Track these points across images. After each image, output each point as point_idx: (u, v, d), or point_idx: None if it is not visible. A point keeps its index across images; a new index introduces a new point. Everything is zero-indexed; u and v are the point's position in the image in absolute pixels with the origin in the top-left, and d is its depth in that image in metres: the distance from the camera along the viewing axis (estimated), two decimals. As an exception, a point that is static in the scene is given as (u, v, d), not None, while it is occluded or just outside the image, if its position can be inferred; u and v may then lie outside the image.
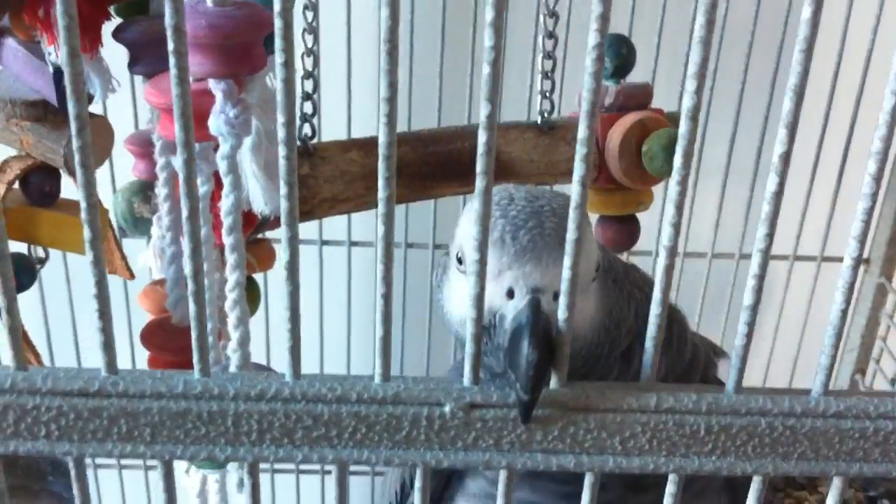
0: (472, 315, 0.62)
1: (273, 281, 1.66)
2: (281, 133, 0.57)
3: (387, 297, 0.61)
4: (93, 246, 0.57)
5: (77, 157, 0.56)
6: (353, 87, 1.67)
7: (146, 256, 1.21)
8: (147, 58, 1.05)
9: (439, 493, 1.07)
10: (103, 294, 0.59)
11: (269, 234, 1.30)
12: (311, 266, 1.73)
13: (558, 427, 0.65)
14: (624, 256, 1.55)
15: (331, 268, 1.80)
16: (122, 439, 0.61)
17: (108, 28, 1.06)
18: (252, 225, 1.15)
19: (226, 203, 0.96)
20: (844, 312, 0.64)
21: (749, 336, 0.65)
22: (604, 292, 0.88)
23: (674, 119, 1.39)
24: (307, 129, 1.25)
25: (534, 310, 0.75)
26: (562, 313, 0.63)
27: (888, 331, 1.83)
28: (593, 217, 1.46)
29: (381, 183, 0.58)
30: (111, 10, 1.06)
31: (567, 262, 0.62)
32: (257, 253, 1.25)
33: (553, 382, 0.65)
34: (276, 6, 0.55)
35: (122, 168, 1.30)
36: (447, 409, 0.63)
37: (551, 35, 1.37)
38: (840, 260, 1.86)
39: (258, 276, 1.29)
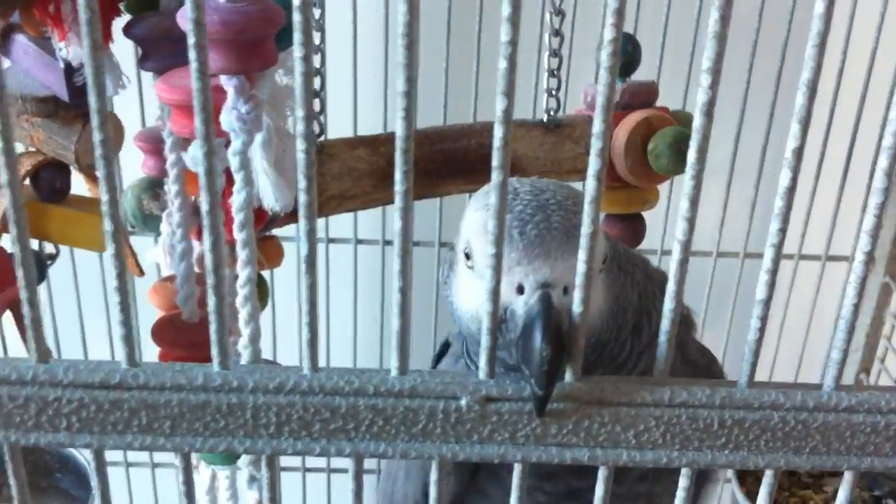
0: (489, 309, 0.62)
1: (280, 279, 1.67)
2: (300, 127, 0.57)
3: (404, 291, 0.62)
4: (114, 238, 0.58)
5: (99, 150, 0.56)
6: (359, 85, 1.67)
7: (155, 253, 1.21)
8: (157, 54, 1.05)
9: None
10: (124, 286, 0.59)
11: (276, 232, 1.31)
12: (318, 264, 1.74)
13: (573, 421, 0.65)
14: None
15: (337, 266, 1.81)
16: (141, 431, 0.62)
17: (116, 25, 1.07)
18: (262, 222, 1.16)
19: (237, 199, 0.96)
20: (857, 307, 0.64)
21: (762, 330, 0.65)
22: (611, 280, 0.89)
23: (679, 117, 1.40)
24: (315, 127, 1.26)
25: (545, 305, 0.75)
26: (577, 307, 0.64)
27: (893, 330, 1.83)
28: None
29: (398, 177, 0.59)
30: (121, 6, 1.07)
31: (582, 255, 0.62)
32: (266, 250, 1.25)
33: (567, 376, 0.66)
34: (296, 0, 0.55)
35: (129, 165, 1.31)
36: (463, 402, 0.64)
37: (557, 33, 1.38)
38: (845, 259, 1.87)
39: (265, 274, 1.30)
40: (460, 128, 1.37)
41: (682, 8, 1.62)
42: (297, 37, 0.56)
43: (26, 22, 1.10)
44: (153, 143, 1.17)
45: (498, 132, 0.58)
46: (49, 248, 1.33)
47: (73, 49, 1.06)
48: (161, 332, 1.12)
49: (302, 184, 0.59)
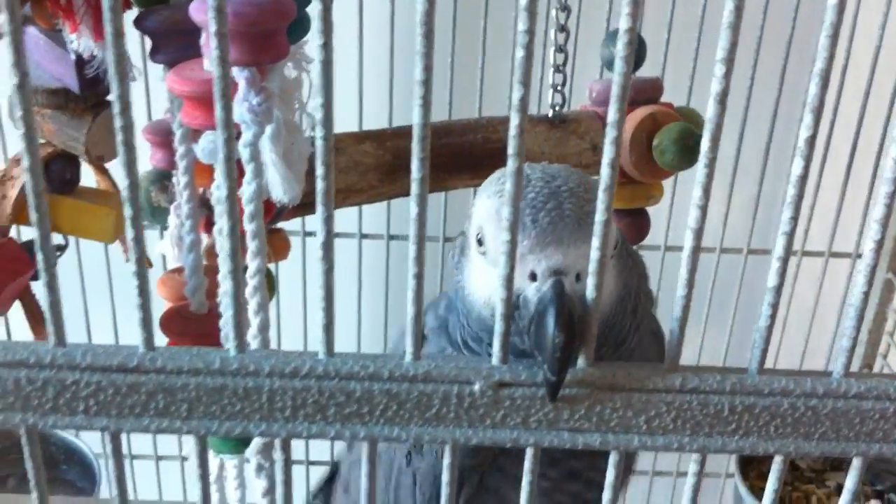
0: (503, 295, 0.63)
1: (285, 271, 1.68)
2: (319, 114, 0.58)
3: (419, 277, 0.62)
4: (133, 224, 0.58)
5: (120, 136, 0.57)
6: (365, 80, 1.68)
7: (163, 245, 1.22)
8: (168, 47, 1.06)
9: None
10: (143, 270, 0.60)
11: (283, 225, 1.31)
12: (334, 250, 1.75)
13: (585, 406, 0.66)
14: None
15: (341, 260, 1.81)
16: (158, 415, 0.62)
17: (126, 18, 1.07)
18: (270, 214, 1.16)
19: (248, 190, 0.97)
20: (867, 294, 0.65)
21: (773, 317, 0.66)
22: (621, 266, 0.90)
23: (683, 113, 1.40)
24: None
25: (558, 292, 0.76)
26: (590, 293, 0.64)
27: (895, 326, 1.84)
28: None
29: (414, 164, 0.59)
30: (132, -1, 1.07)
31: (595, 242, 0.63)
32: (273, 243, 1.26)
33: (580, 362, 0.66)
34: (315, -12, 0.56)
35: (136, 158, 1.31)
36: (477, 387, 0.64)
37: (563, 28, 1.39)
38: (848, 256, 1.87)
39: (270, 266, 1.30)
40: (466, 122, 1.37)
41: (686, 5, 1.63)
42: (317, 24, 0.56)
43: (38, 14, 1.11)
44: (162, 136, 1.18)
45: (514, 120, 0.59)
46: (57, 238, 1.33)
47: (83, 41, 1.07)
48: (169, 322, 1.13)
49: (320, 170, 0.59)
